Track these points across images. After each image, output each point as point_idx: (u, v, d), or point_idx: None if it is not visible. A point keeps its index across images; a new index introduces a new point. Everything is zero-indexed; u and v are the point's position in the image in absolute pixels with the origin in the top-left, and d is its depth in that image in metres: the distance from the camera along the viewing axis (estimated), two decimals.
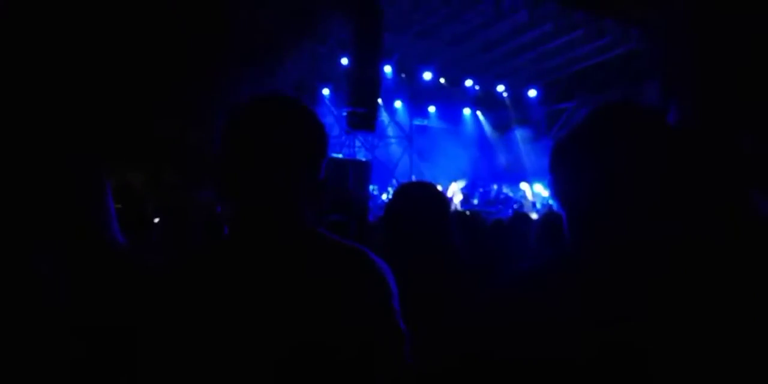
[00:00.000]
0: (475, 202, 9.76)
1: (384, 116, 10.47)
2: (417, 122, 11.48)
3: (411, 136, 11.27)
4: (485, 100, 11.64)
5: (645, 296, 0.88)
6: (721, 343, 0.85)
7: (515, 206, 9.39)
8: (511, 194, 10.15)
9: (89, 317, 1.24)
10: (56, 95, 4.71)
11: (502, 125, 12.06)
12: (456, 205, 9.11)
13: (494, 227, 3.25)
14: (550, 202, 8.83)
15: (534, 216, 4.14)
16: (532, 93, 11.43)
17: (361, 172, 6.34)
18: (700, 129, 1.32)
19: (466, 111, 11.84)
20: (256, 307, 1.06)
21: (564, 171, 1.02)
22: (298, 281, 1.07)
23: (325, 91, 9.95)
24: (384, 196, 9.36)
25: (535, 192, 10.06)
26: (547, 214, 2.70)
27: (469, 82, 11.01)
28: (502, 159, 11.90)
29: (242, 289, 1.07)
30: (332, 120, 9.36)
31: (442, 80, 10.74)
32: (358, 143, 9.73)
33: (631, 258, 0.92)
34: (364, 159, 7.93)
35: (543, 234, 2.65)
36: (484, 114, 12.00)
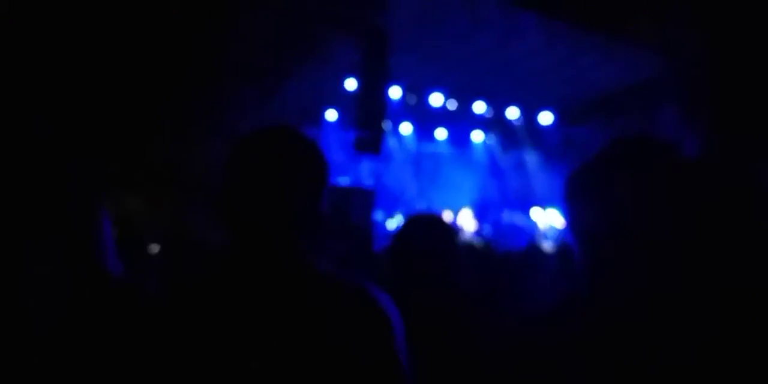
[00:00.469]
0: (487, 230, 9.71)
1: (391, 140, 10.52)
2: (426, 146, 11.51)
3: (419, 161, 11.30)
4: (496, 124, 11.65)
5: (665, 337, 0.88)
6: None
7: (528, 237, 9.32)
8: (523, 223, 10.09)
9: (83, 343, 1.25)
10: (54, 114, 4.77)
11: (513, 150, 12.05)
12: (468, 234, 9.06)
13: (506, 261, 3.23)
14: (562, 230, 8.79)
15: (546, 245, 4.12)
16: (546, 117, 11.44)
17: (364, 201, 6.38)
18: (717, 158, 1.33)
19: (477, 135, 11.84)
20: (250, 344, 1.06)
21: (579, 206, 1.03)
22: (294, 318, 1.08)
23: (331, 114, 10.03)
24: (390, 223, 9.33)
25: (547, 220, 10.01)
26: (563, 248, 2.68)
27: (480, 106, 11.03)
28: (513, 184, 11.87)
29: (236, 325, 1.08)
30: (337, 144, 9.42)
31: (451, 103, 10.78)
32: (364, 168, 9.77)
33: (649, 297, 0.92)
34: (368, 186, 7.96)
35: (559, 268, 2.63)
36: (495, 138, 12.01)
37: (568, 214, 1.05)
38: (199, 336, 1.09)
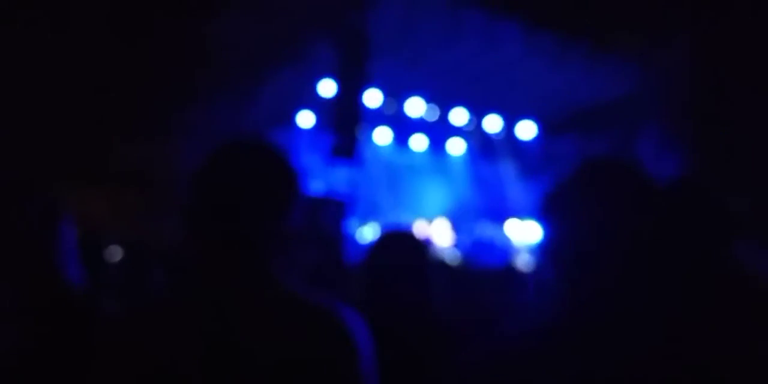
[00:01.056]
0: (462, 242, 9.71)
1: (367, 147, 10.50)
2: (403, 154, 11.52)
3: (396, 168, 11.30)
4: (475, 134, 11.71)
5: (642, 357, 0.89)
6: None
7: (504, 254, 9.30)
8: (497, 236, 10.12)
9: (41, 370, 1.21)
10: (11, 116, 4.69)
11: (492, 160, 12.12)
12: (442, 247, 9.04)
13: (481, 280, 3.24)
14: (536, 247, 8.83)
15: (522, 262, 4.15)
16: (525, 128, 11.53)
17: (336, 212, 6.40)
18: (693, 180, 1.36)
19: (455, 144, 11.89)
20: (209, 371, 1.05)
21: (553, 228, 1.07)
22: (256, 344, 1.07)
23: (307, 118, 9.99)
24: (364, 232, 9.29)
25: (523, 233, 10.04)
26: (538, 268, 2.71)
27: (458, 115, 11.07)
28: (490, 195, 11.92)
29: (196, 350, 1.07)
30: (312, 148, 9.39)
31: (430, 111, 10.81)
32: (338, 173, 9.74)
33: (624, 318, 0.93)
34: (341, 195, 7.96)
35: (535, 288, 2.65)
36: (473, 148, 12.06)
37: (548, 233, 1.08)
38: (157, 360, 1.07)
